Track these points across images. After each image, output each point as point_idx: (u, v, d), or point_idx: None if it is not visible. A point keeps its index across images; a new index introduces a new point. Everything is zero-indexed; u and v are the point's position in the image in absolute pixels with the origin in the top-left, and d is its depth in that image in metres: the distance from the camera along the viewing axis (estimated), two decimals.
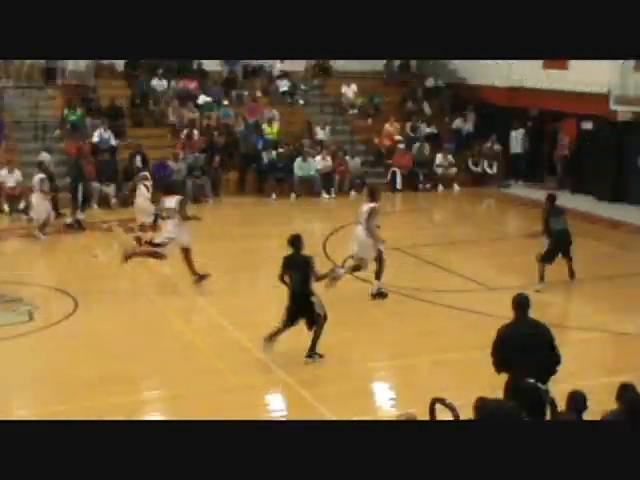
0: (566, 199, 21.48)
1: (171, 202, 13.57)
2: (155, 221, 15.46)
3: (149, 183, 16.27)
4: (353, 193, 22.51)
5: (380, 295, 13.08)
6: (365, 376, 10.45)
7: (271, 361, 10.37)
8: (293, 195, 22.05)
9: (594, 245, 16.94)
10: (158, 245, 13.61)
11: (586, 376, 8.91)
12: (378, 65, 27.18)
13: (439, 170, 23.63)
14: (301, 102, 25.59)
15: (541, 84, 23.46)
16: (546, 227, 13.56)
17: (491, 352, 7.35)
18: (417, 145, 24.08)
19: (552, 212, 13.75)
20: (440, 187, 23.50)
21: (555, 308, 13.11)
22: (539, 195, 22.45)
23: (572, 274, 13.83)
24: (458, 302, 12.67)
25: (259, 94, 25.18)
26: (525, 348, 7.12)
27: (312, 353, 10.38)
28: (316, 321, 10.27)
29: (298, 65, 26.36)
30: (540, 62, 23.68)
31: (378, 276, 13.10)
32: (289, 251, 10.52)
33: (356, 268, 13.12)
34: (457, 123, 25.59)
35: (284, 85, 25.65)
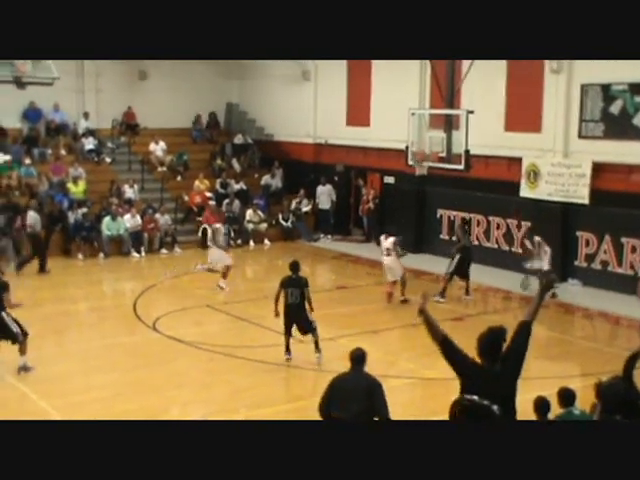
0: (372, 251, 22.33)
1: (387, 243, 16.49)
2: None
3: None
4: (164, 251, 22.30)
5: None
6: None
7: None
8: (102, 255, 21.48)
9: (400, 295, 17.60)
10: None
11: None
12: (186, 122, 27.28)
13: (250, 226, 23.86)
14: (108, 160, 25.14)
15: (345, 141, 24.39)
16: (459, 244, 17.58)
17: (321, 398, 7.64)
18: (227, 201, 24.24)
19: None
20: (251, 242, 23.72)
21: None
22: (347, 247, 23.33)
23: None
24: (271, 357, 12.73)
25: (63, 152, 24.51)
26: (348, 398, 7.43)
27: (318, 350, 12.24)
28: (312, 327, 12.44)
29: (105, 123, 25.96)
30: (344, 119, 24.66)
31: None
32: (289, 273, 12.56)
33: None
34: (266, 179, 26.03)
35: (90, 143, 25.13)
